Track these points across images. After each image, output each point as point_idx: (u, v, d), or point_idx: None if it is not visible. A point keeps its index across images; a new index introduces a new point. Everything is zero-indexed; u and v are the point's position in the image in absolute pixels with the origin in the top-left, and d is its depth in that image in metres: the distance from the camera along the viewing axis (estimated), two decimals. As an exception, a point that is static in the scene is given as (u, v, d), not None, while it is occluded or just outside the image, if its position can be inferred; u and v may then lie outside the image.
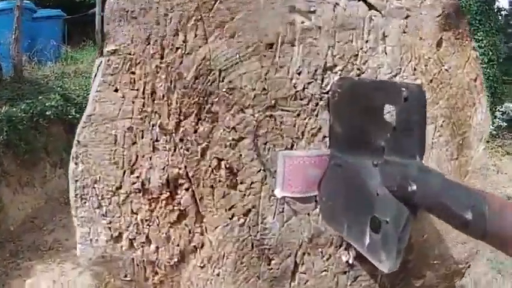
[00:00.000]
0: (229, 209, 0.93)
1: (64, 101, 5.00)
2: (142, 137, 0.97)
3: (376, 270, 0.96)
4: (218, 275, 0.97)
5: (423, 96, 0.74)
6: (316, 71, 0.91)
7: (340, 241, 0.94)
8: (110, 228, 1.01)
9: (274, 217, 0.92)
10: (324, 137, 0.91)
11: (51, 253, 3.74)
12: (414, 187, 0.69)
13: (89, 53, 8.25)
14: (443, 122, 0.99)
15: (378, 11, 0.94)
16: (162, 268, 1.00)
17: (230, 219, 0.93)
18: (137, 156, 0.98)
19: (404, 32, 0.96)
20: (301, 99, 0.91)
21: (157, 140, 0.96)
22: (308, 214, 0.92)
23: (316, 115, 0.91)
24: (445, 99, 1.00)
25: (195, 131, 0.93)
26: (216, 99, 0.91)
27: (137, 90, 0.96)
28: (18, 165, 4.22)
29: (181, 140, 0.94)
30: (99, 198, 1.00)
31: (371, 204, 0.79)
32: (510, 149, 6.95)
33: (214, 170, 0.93)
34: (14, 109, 4.34)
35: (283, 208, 0.92)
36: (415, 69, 0.97)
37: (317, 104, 0.91)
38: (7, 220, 3.99)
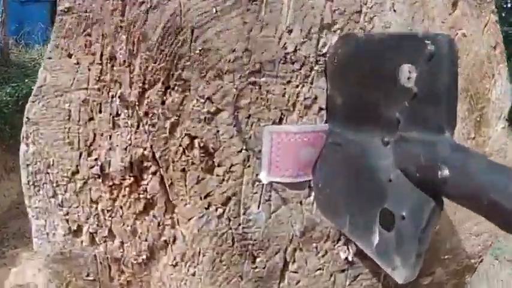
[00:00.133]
0: (205, 197, 0.70)
1: (50, 84, 4.70)
2: (100, 111, 0.74)
3: (379, 268, 0.74)
4: (194, 274, 0.75)
5: (455, 51, 0.51)
6: (310, 29, 0.68)
7: (339, 235, 0.72)
8: (67, 220, 0.78)
9: (259, 207, 0.70)
10: (320, 109, 0.68)
11: (36, 240, 3.48)
12: (446, 172, 0.47)
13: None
14: (460, 94, 0.76)
15: (385, -45, 0.71)
16: (129, 266, 0.78)
17: (206, 209, 0.71)
18: (95, 134, 0.75)
19: (416, -15, 0.73)
20: (292, 63, 0.68)
21: (117, 115, 0.73)
22: (300, 203, 0.70)
23: (311, 82, 0.68)
24: (461, 68, 0.77)
25: (163, 103, 0.70)
26: (188, 64, 0.68)
27: (94, 55, 0.73)
28: (4, 150, 3.94)
29: (146, 113, 0.71)
30: (54, 185, 0.78)
31: (381, 193, 0.57)
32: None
33: (185, 150, 0.70)
34: (0, 92, 4.07)
35: (269, 196, 0.70)
36: (427, 30, 0.74)
37: (311, 69, 0.68)
38: (-8, 206, 3.74)
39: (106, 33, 0.72)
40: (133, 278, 0.79)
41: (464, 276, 0.85)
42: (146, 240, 0.75)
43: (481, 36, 0.81)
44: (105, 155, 0.74)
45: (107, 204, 0.76)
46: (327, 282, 0.74)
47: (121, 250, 0.77)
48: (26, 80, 4.59)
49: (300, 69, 0.68)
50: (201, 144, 0.68)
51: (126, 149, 0.73)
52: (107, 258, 0.79)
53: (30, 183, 0.79)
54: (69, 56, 0.75)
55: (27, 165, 0.78)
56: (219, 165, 0.69)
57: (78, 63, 0.75)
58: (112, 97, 0.73)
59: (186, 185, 0.71)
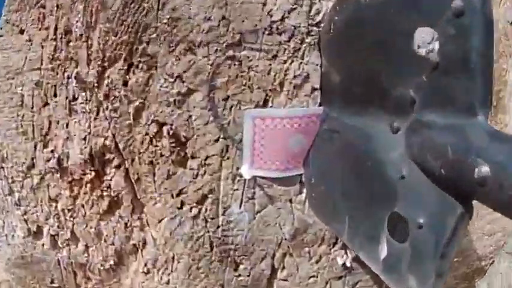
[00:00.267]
0: (177, 194, 0.55)
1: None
2: (56, 95, 0.58)
3: (382, 273, 0.58)
4: (168, 283, 0.60)
5: (489, 6, 0.36)
6: (300, -8, 0.52)
7: (335, 237, 0.56)
8: (26, 220, 0.63)
9: (240, 206, 0.54)
10: (313, 89, 0.52)
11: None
12: (486, 169, 0.31)
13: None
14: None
15: None
16: (96, 273, 0.63)
17: (179, 209, 0.55)
18: (50, 122, 0.59)
19: None
20: (279, 34, 0.51)
21: (74, 99, 0.57)
22: (289, 201, 0.55)
23: (302, 57, 0.52)
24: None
25: (125, 83, 0.54)
26: (154, 36, 0.52)
27: (47, 29, 0.57)
28: None
29: (106, 96, 0.55)
30: (9, 181, 0.62)
31: (390, 193, 0.41)
32: None
33: (153, 139, 0.54)
34: None
35: (253, 193, 0.54)
36: None
37: (302, 41, 0.52)
38: None
39: (61, 4, 0.56)
40: (101, 285, 0.64)
41: (474, 280, 0.70)
42: (113, 243, 0.60)
43: (497, 8, 0.65)
44: (63, 146, 0.59)
45: (67, 203, 0.61)
46: (321, 290, 0.59)
47: (86, 255, 0.62)
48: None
49: (289, 41, 0.52)
50: (171, 132, 0.53)
51: (85, 138, 0.57)
52: (71, 263, 0.64)
53: (-15, 178, 0.63)
54: (21, 32, 0.59)
55: (-20, 158, 0.62)
56: (192, 157, 0.53)
57: (30, 40, 0.58)
58: (68, 78, 0.57)
59: (154, 181, 0.55)
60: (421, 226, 0.38)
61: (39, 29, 0.58)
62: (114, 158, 0.56)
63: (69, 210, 0.61)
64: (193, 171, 0.53)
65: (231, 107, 0.51)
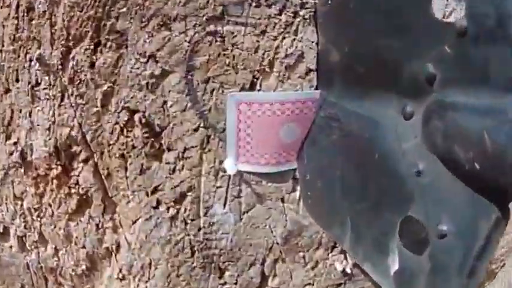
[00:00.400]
0: (152, 192, 0.45)
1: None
2: (18, 80, 0.48)
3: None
4: (145, 290, 0.50)
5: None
6: (293, -43, 0.41)
7: (333, 241, 0.46)
8: (-10, 219, 0.53)
9: (225, 206, 0.44)
10: (309, 70, 0.42)
11: None
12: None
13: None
14: None
15: None
16: (67, 278, 0.53)
17: (154, 208, 0.45)
18: (12, 111, 0.49)
19: None
20: (269, 6, 0.41)
21: (37, 84, 0.47)
22: (282, 200, 0.44)
23: (295, 33, 0.41)
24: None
25: (92, 65, 0.43)
26: (123, 10, 0.41)
27: (9, 7, 0.47)
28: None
29: (71, 80, 0.45)
30: (-28, 176, 0.52)
31: (402, 193, 0.31)
32: None
33: (124, 129, 0.44)
34: None
35: (239, 191, 0.44)
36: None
37: (296, 15, 0.41)
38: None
39: (23, -23, 0.45)
40: (74, 291, 0.54)
41: (484, 285, 0.60)
42: (84, 247, 0.50)
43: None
44: (26, 138, 0.49)
45: (33, 202, 0.50)
46: (318, 299, 0.49)
47: (56, 258, 0.52)
48: None
49: (280, 14, 0.41)
50: (143, 121, 0.43)
51: (49, 129, 0.47)
52: (41, 267, 0.54)
53: None
54: (-20, 9, 0.48)
55: None
56: (168, 149, 0.43)
57: (-10, 18, 0.48)
58: (30, 60, 0.47)
59: (126, 176, 0.45)
60: (444, 234, 0.28)
61: (1, 7, 0.48)
62: (81, 151, 0.46)
63: (35, 209, 0.51)
64: (169, 166, 0.43)
65: (212, 90, 0.41)
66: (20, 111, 0.48)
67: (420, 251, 0.29)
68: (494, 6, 0.26)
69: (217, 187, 0.43)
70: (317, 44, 0.41)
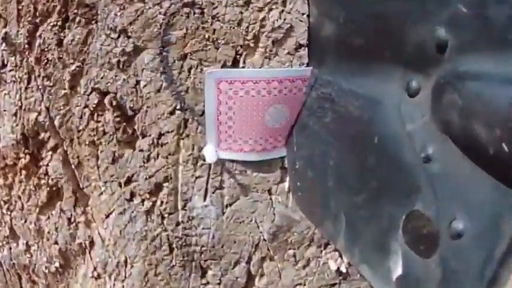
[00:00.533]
0: (126, 183, 0.38)
1: None
2: (-19, 61, 0.41)
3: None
4: (123, 289, 0.44)
5: None
6: None
7: (327, 237, 0.40)
8: (-39, 212, 0.47)
9: (205, 198, 0.38)
10: (299, 45, 0.35)
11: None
12: None
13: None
14: None
15: None
16: (41, 276, 0.47)
17: (128, 201, 0.39)
18: (-24, 94, 0.42)
19: None
20: (254, -27, 0.34)
21: (3, 65, 0.40)
22: (269, 192, 0.38)
23: (283, 4, 0.35)
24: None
25: (59, 43, 0.37)
26: (92, -22, 0.35)
27: (-27, -19, 0.40)
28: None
29: (37, 60, 0.38)
30: None
31: (407, 184, 0.25)
32: None
33: (94, 113, 0.37)
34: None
35: (221, 182, 0.37)
36: None
37: (284, -17, 0.35)
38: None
39: None
40: (49, 289, 0.48)
41: None
42: (56, 242, 0.44)
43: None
44: (-9, 124, 0.42)
45: (2, 194, 0.44)
46: (310, 300, 0.43)
47: (28, 255, 0.46)
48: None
49: (267, -17, 0.34)
50: (114, 103, 0.36)
51: (16, 114, 0.40)
52: (14, 264, 0.48)
53: None
54: None
55: None
56: (142, 135, 0.37)
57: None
58: (-6, 39, 0.40)
59: (98, 166, 0.39)
60: (460, 234, 0.21)
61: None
62: (49, 138, 0.40)
63: (5, 202, 0.44)
64: (143, 154, 0.37)
65: (190, 68, 0.34)
66: (-15, 95, 0.42)
67: (429, 253, 0.22)
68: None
69: (197, 177, 0.36)
70: (308, 15, 0.34)
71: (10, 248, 0.46)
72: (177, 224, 0.38)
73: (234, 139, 0.34)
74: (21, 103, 0.40)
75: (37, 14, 0.38)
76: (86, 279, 0.44)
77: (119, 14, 0.35)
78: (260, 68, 0.34)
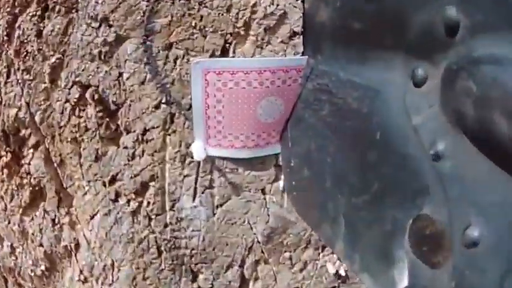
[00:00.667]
0: (110, 182, 0.35)
1: None
2: (-40, 54, 0.38)
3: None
4: (111, 294, 0.41)
5: None
6: None
7: (325, 238, 0.36)
8: None
9: (194, 198, 0.34)
10: (294, 33, 0.31)
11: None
12: None
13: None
14: None
15: None
16: (27, 279, 0.44)
17: (113, 201, 0.36)
18: (-46, 89, 0.39)
19: None
20: (244, -45, 0.31)
21: (-19, 58, 0.37)
22: (262, 191, 0.35)
23: (276, -11, 0.31)
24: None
25: (39, 34, 0.34)
26: (71, -37, 0.31)
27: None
28: None
29: (17, 53, 0.35)
30: None
31: (414, 184, 0.21)
32: None
33: (75, 108, 0.34)
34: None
35: (211, 180, 0.34)
36: None
37: (277, -34, 0.31)
38: None
39: None
40: (36, 293, 0.45)
41: None
42: (41, 245, 0.41)
43: None
44: (-29, 120, 0.39)
45: (-15, 193, 0.41)
46: (307, 304, 0.40)
47: (13, 257, 0.43)
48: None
49: (258, -35, 0.31)
50: (96, 97, 0.33)
51: (-6, 109, 0.37)
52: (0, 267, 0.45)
53: None
54: None
55: None
56: (126, 131, 0.33)
57: None
58: (-28, 30, 0.37)
59: (81, 164, 0.35)
60: (475, 242, 0.18)
61: None
62: (30, 135, 0.37)
63: (-12, 202, 0.41)
64: (128, 151, 0.33)
65: (176, 58, 0.31)
66: (-36, 90, 0.38)
67: (439, 263, 0.19)
68: None
69: (185, 176, 0.33)
70: (303, 1, 0.31)
71: (-5, 250, 0.43)
72: (165, 225, 0.35)
73: (223, 135, 0.30)
74: (1, 98, 0.36)
75: (16, 3, 0.34)
76: (73, 283, 0.41)
77: (100, 1, 0.32)
78: (251, 57, 0.31)
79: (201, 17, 0.31)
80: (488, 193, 0.18)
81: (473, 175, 0.19)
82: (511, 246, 0.17)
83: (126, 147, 0.33)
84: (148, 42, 0.31)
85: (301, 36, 0.31)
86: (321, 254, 0.37)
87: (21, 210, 0.40)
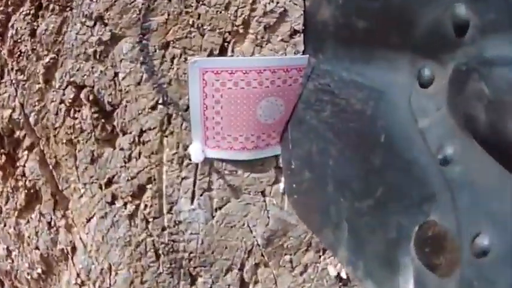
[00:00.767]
0: (106, 184, 0.34)
1: None
2: (-47, 54, 0.37)
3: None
4: (109, 297, 0.40)
5: None
6: None
7: (327, 241, 0.35)
8: None
9: (193, 201, 0.33)
10: (294, 31, 0.30)
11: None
12: None
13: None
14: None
15: None
16: (24, 282, 0.43)
17: (110, 204, 0.35)
18: None
19: None
20: (243, -49, 0.30)
21: (-26, 57, 0.36)
22: (262, 194, 0.34)
23: (276, -14, 0.30)
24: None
25: (33, 33, 0.33)
26: (65, -40, 0.30)
27: None
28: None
29: (10, 53, 0.34)
30: None
31: (420, 189, 0.21)
32: None
33: (71, 109, 0.33)
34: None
35: (209, 183, 0.33)
36: None
37: (277, -38, 0.30)
38: None
39: None
40: (33, 296, 0.44)
41: None
42: (37, 248, 0.40)
43: None
44: (-35, 121, 0.38)
45: (-21, 195, 0.40)
46: (308, 307, 0.39)
47: (9, 260, 0.42)
48: None
49: (258, -39, 0.30)
50: (91, 97, 0.32)
51: (-12, 110, 0.36)
52: (-5, 269, 0.44)
53: None
54: None
55: None
56: (122, 133, 0.32)
57: None
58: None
59: (76, 166, 0.34)
60: (485, 251, 0.17)
61: None
62: (25, 136, 0.36)
63: (-17, 204, 0.40)
64: (124, 153, 0.32)
65: (173, 58, 0.30)
66: (-44, 90, 0.37)
67: (447, 272, 0.18)
68: None
69: (183, 178, 0.32)
70: (304, -2, 0.30)
71: (-9, 253, 0.42)
72: (163, 229, 0.34)
73: (222, 136, 0.29)
74: (-6, 99, 0.35)
75: (9, 2, 0.33)
76: (70, 286, 0.40)
77: (94, -1, 0.30)
78: (251, 56, 0.29)
79: (199, 14, 0.30)
80: (499, 200, 0.17)
81: (484, 181, 0.18)
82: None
83: (122, 149, 0.32)
84: (144, 41, 0.30)
85: (302, 35, 0.30)
86: (322, 257, 0.36)
87: (16, 212, 0.39)
